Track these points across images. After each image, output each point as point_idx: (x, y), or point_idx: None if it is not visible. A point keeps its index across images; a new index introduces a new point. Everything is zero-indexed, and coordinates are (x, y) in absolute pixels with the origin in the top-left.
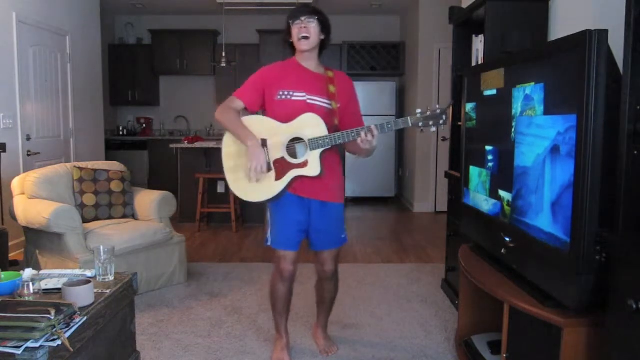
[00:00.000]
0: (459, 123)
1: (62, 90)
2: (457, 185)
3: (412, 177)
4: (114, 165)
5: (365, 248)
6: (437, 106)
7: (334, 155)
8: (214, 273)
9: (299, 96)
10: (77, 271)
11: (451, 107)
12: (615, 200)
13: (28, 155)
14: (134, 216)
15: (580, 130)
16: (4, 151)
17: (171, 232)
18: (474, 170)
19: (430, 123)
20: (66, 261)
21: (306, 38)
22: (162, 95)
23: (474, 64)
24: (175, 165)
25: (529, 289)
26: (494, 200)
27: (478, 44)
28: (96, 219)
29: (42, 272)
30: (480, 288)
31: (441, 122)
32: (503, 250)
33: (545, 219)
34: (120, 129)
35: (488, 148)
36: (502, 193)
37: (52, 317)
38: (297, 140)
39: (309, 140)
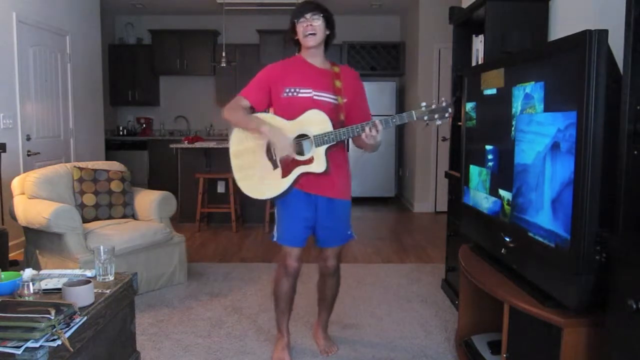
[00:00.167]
0: (459, 123)
1: (62, 90)
2: (457, 185)
3: (412, 177)
4: (114, 165)
5: (365, 248)
6: (443, 99)
7: (341, 152)
8: (214, 273)
9: (305, 93)
10: (77, 271)
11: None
12: (615, 200)
13: (28, 155)
14: (134, 216)
15: (580, 128)
16: (4, 151)
17: (171, 232)
18: (474, 169)
19: (436, 116)
20: (66, 261)
21: (313, 34)
22: (162, 95)
23: (474, 64)
24: (175, 165)
25: (529, 289)
26: (494, 198)
27: (478, 44)
28: (96, 219)
29: (42, 272)
30: (480, 288)
31: (447, 115)
32: (503, 250)
33: (545, 216)
34: (120, 129)
35: (488, 147)
36: (502, 192)
37: (52, 317)
38: (302, 137)
39: (314, 136)
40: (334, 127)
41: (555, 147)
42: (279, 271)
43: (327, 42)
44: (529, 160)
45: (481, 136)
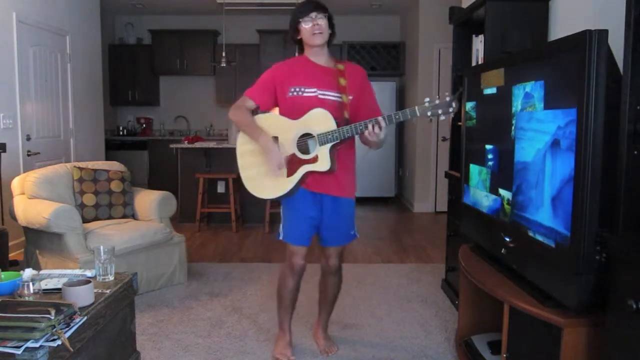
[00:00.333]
0: (459, 123)
1: (62, 90)
2: (457, 185)
3: (412, 177)
4: (114, 165)
5: (365, 248)
6: (447, 94)
7: (348, 151)
8: (214, 273)
9: (310, 92)
10: (77, 271)
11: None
12: (615, 200)
13: (28, 155)
14: (134, 216)
15: (580, 126)
16: (4, 151)
17: (171, 232)
18: (474, 169)
19: (440, 112)
20: (66, 261)
21: (320, 33)
22: (162, 95)
23: (474, 64)
24: (175, 165)
25: (529, 289)
26: (494, 196)
27: (478, 44)
28: (96, 219)
29: (42, 272)
30: (480, 288)
31: (451, 109)
32: (503, 250)
33: (545, 214)
34: (120, 129)
35: (488, 147)
36: (502, 192)
37: (52, 317)
38: (307, 136)
39: (317, 135)
40: (339, 125)
41: (555, 144)
42: (284, 269)
43: (329, 40)
44: (529, 157)
45: (481, 135)
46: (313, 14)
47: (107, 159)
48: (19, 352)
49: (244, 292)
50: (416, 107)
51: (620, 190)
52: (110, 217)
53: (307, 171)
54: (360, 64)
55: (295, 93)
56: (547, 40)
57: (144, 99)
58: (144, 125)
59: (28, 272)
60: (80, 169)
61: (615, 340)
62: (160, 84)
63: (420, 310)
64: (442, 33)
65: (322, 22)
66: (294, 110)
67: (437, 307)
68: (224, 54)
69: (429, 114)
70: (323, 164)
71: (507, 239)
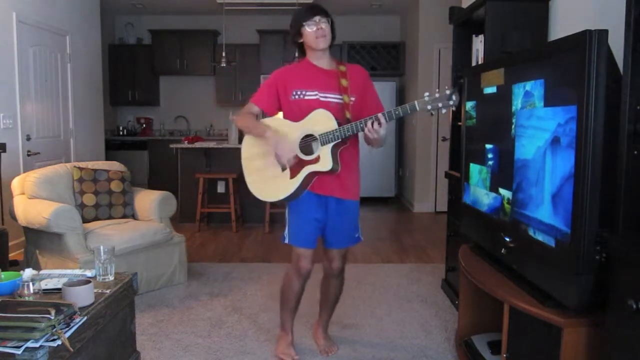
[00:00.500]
0: (459, 123)
1: (62, 90)
2: (457, 185)
3: (412, 177)
4: (114, 165)
5: (365, 248)
6: (447, 87)
7: (352, 152)
8: (214, 273)
9: (311, 95)
10: (77, 271)
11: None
12: (615, 200)
13: (28, 155)
14: (134, 216)
15: (580, 125)
16: (4, 151)
17: (171, 232)
18: (474, 168)
19: (440, 105)
20: (66, 261)
21: (324, 37)
22: (162, 95)
23: (474, 64)
24: (175, 165)
25: (529, 289)
26: (494, 194)
27: (478, 44)
28: (96, 219)
29: (42, 272)
30: (480, 288)
31: (451, 102)
32: (503, 250)
33: (545, 211)
34: (120, 129)
35: (488, 146)
36: (502, 191)
37: (52, 317)
38: (310, 137)
39: (319, 135)
40: (340, 125)
41: (555, 141)
42: (290, 272)
43: (331, 43)
44: (529, 155)
45: (481, 135)
46: (317, 18)
47: (107, 159)
48: (19, 352)
49: (244, 292)
50: (416, 102)
51: (620, 190)
52: (110, 217)
53: (310, 172)
54: (360, 64)
55: (297, 96)
56: (547, 40)
57: (144, 99)
58: (144, 125)
59: (28, 272)
60: (80, 169)
61: (615, 340)
62: (160, 84)
63: (420, 310)
64: (442, 33)
65: (326, 26)
66: (297, 113)
67: (437, 307)
68: (224, 54)
69: (429, 107)
70: (325, 164)
71: (507, 239)
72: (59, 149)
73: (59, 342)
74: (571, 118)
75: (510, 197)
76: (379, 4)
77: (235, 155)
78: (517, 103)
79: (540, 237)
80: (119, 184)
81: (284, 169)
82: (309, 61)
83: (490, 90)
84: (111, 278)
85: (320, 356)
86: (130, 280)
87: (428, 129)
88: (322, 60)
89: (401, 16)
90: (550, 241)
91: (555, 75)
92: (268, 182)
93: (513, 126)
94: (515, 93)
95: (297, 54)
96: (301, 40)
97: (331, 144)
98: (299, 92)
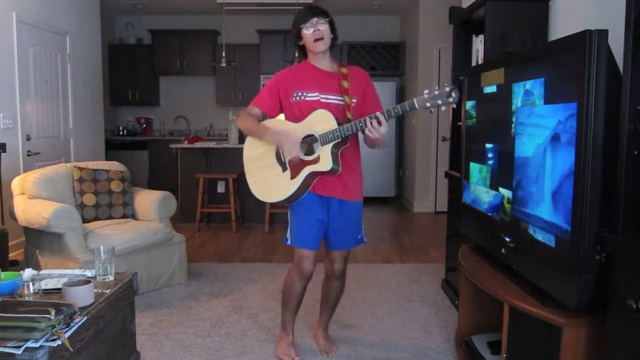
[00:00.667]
0: (459, 123)
1: (62, 90)
2: (457, 185)
3: (412, 177)
4: (114, 165)
5: (365, 248)
6: (446, 84)
7: (353, 152)
8: (214, 273)
9: (312, 96)
10: (77, 271)
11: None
12: (615, 200)
13: (28, 155)
14: (134, 216)
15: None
16: (4, 151)
17: (171, 232)
18: (474, 167)
19: (439, 102)
20: (66, 261)
21: (321, 39)
22: (162, 95)
23: (474, 64)
24: (175, 165)
25: (529, 289)
26: (494, 192)
27: (478, 44)
28: (96, 219)
29: (42, 272)
30: (480, 288)
31: (451, 99)
32: (503, 250)
33: (545, 208)
34: (120, 129)
35: (488, 146)
36: (502, 190)
37: (52, 317)
38: (310, 137)
39: (319, 135)
40: (341, 125)
41: (555, 138)
42: (292, 273)
43: (332, 44)
44: (529, 153)
45: (481, 134)
46: (314, 20)
47: (107, 159)
48: (19, 352)
49: (244, 292)
50: (415, 100)
51: (620, 190)
52: (110, 217)
53: (310, 172)
54: (360, 64)
55: (298, 98)
56: (547, 40)
57: (144, 99)
58: (144, 125)
59: (28, 272)
60: (80, 169)
61: (615, 340)
62: (160, 84)
63: (420, 310)
64: (442, 33)
65: (323, 27)
66: (298, 115)
67: (437, 307)
68: (224, 54)
69: (428, 105)
70: (325, 164)
71: (507, 239)
72: (59, 149)
73: (59, 342)
74: (571, 115)
75: (510, 197)
76: (379, 4)
77: (235, 155)
78: (517, 102)
79: (540, 236)
80: (119, 184)
81: (284, 169)
82: (310, 63)
83: (490, 89)
84: (111, 278)
85: (320, 356)
86: (130, 280)
87: (428, 129)
88: (323, 62)
89: (401, 16)
90: (550, 241)
91: (555, 75)
92: (269, 183)
93: (513, 125)
94: (515, 92)
95: (297, 55)
96: (302, 43)
97: (331, 144)
98: (300, 94)
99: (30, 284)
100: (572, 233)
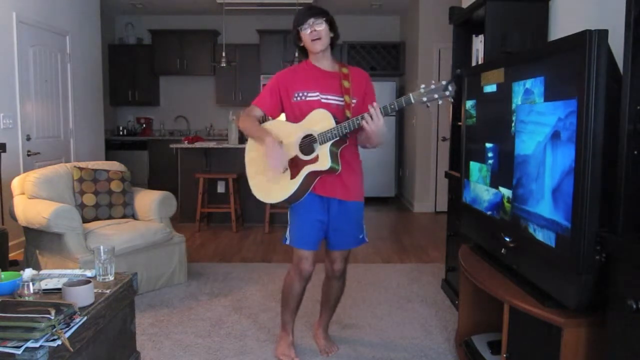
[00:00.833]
0: (459, 123)
1: (62, 90)
2: (457, 185)
3: (412, 177)
4: (114, 165)
5: (365, 248)
6: (444, 79)
7: (353, 152)
8: (214, 273)
9: (313, 96)
10: (77, 271)
11: (458, 79)
12: (615, 200)
13: (28, 155)
14: (134, 216)
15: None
16: (4, 151)
17: (171, 232)
18: (474, 166)
19: (436, 96)
20: (66, 261)
21: (318, 39)
22: (162, 95)
23: (474, 64)
24: (175, 165)
25: (529, 289)
26: (494, 190)
27: (478, 44)
28: (96, 219)
29: (42, 272)
30: (480, 288)
31: (448, 92)
32: (503, 250)
33: (546, 206)
34: (120, 129)
35: (488, 145)
36: (502, 190)
37: (52, 317)
38: (309, 137)
39: (318, 134)
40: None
41: (555, 136)
42: (291, 273)
43: (332, 43)
44: (529, 150)
45: (481, 134)
46: (311, 20)
47: (107, 159)
48: (19, 352)
49: (244, 292)
50: (411, 94)
51: (620, 190)
52: (110, 217)
53: (310, 171)
54: (360, 64)
55: (299, 98)
56: (547, 40)
57: (144, 99)
58: (144, 125)
59: (28, 272)
60: (80, 169)
61: (615, 340)
62: (160, 84)
63: (420, 310)
64: (442, 33)
65: (320, 27)
66: (298, 115)
67: (437, 307)
68: (224, 54)
69: (424, 99)
70: (323, 163)
71: (507, 239)
72: (59, 149)
73: (59, 342)
74: (571, 112)
75: (510, 196)
76: (379, 4)
77: (235, 155)
78: (517, 100)
79: (540, 235)
80: (119, 184)
81: (284, 169)
82: (310, 63)
83: (490, 88)
84: (111, 278)
85: (320, 356)
86: (130, 280)
87: (428, 129)
88: (323, 62)
89: (401, 16)
90: (550, 241)
91: (555, 75)
92: (270, 184)
93: (513, 124)
94: (515, 91)
95: (297, 54)
96: (302, 44)
97: (329, 143)
98: (300, 94)
99: (30, 284)
100: (572, 232)
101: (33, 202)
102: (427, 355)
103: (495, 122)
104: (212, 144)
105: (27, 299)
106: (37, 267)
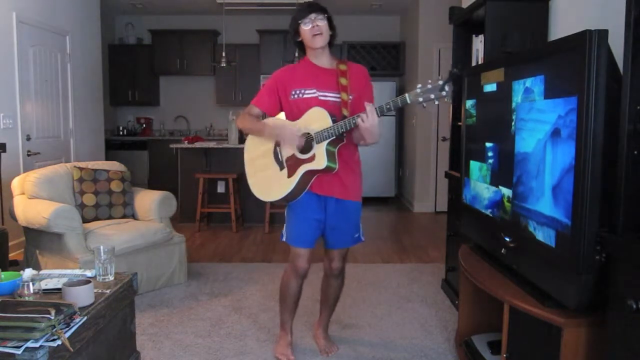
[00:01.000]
0: (459, 123)
1: (62, 90)
2: (457, 185)
3: (412, 177)
4: (114, 165)
5: (365, 248)
6: (440, 77)
7: (351, 152)
8: (214, 273)
9: (310, 93)
10: (77, 271)
11: (454, 77)
12: (615, 201)
13: (28, 155)
14: (134, 216)
15: (580, 122)
16: (4, 151)
17: (171, 232)
18: (474, 165)
19: (432, 96)
20: (66, 261)
21: (319, 34)
22: (162, 95)
23: (474, 64)
24: (175, 165)
25: (529, 289)
26: (494, 188)
27: (478, 44)
28: (96, 219)
29: (42, 272)
30: (480, 288)
31: (444, 93)
32: (503, 250)
33: (546, 203)
34: (120, 129)
35: (488, 145)
36: (502, 189)
37: (52, 317)
38: (307, 135)
39: (314, 133)
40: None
41: (555, 133)
42: (287, 271)
43: (330, 42)
44: (529, 148)
45: (481, 133)
46: (312, 16)
47: (107, 159)
48: (19, 352)
49: (244, 292)
50: (407, 95)
51: (620, 190)
52: (110, 217)
53: (306, 170)
54: (360, 64)
55: (296, 96)
56: (547, 40)
57: (144, 99)
58: (144, 125)
59: (28, 272)
60: (80, 169)
61: (615, 340)
62: (160, 84)
63: (420, 310)
64: (442, 33)
65: (322, 23)
66: (296, 113)
67: (437, 307)
68: (224, 54)
69: (420, 100)
70: (320, 162)
71: (507, 239)
72: (59, 149)
73: (59, 342)
74: (571, 109)
75: (510, 195)
76: (379, 4)
77: (235, 155)
78: (517, 99)
79: (540, 235)
80: (119, 184)
81: (282, 168)
82: (308, 60)
83: (490, 88)
84: (111, 278)
85: (320, 356)
86: (130, 280)
87: (428, 129)
88: (321, 59)
89: (401, 16)
90: (550, 240)
91: (555, 76)
92: (268, 182)
93: (513, 123)
94: (515, 89)
95: (297, 54)
96: (300, 39)
97: (326, 142)
98: (298, 92)
99: (30, 284)
100: (572, 231)
101: (33, 202)
102: (427, 355)
103: (496, 121)
104: (212, 144)
105: (27, 299)
106: (37, 267)
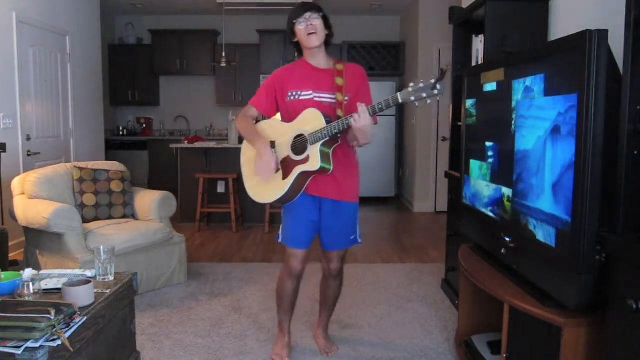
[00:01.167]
0: (459, 123)
1: (62, 90)
2: (457, 185)
3: (412, 177)
4: (114, 165)
5: (365, 248)
6: (432, 76)
7: (347, 152)
8: (214, 273)
9: (306, 95)
10: (77, 271)
11: (445, 76)
12: (615, 200)
13: (28, 155)
14: (134, 216)
15: (580, 123)
16: (4, 151)
17: (171, 232)
18: (474, 164)
19: (424, 95)
20: (66, 261)
21: (314, 33)
22: (162, 95)
23: (474, 64)
24: (175, 165)
25: (529, 289)
26: (494, 185)
27: (478, 44)
28: (96, 219)
29: (42, 272)
30: (480, 288)
31: (436, 91)
32: (503, 250)
33: (546, 200)
34: (120, 129)
35: (488, 144)
36: (502, 189)
37: (52, 317)
38: (301, 137)
39: (308, 135)
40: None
41: (555, 130)
42: (283, 272)
43: (327, 41)
44: (529, 146)
45: (481, 133)
46: (307, 15)
47: (107, 159)
48: (19, 352)
49: (244, 292)
50: (398, 94)
51: (620, 190)
52: (110, 217)
53: (301, 172)
54: (359, 64)
55: (293, 97)
56: (547, 40)
57: (144, 99)
58: (144, 125)
59: (28, 272)
60: (80, 169)
61: (615, 340)
62: (160, 84)
63: (420, 310)
64: (442, 33)
65: (317, 22)
66: (293, 114)
67: (437, 307)
68: (224, 54)
69: (412, 99)
70: (314, 164)
71: (507, 239)
72: (59, 149)
73: (59, 342)
74: (571, 107)
75: (511, 195)
76: (379, 4)
77: (235, 155)
78: (517, 97)
79: (540, 234)
80: (119, 184)
81: (277, 170)
82: (305, 60)
83: (490, 87)
84: (111, 278)
85: (320, 356)
86: (130, 280)
87: (428, 129)
88: (317, 59)
89: (401, 16)
90: (550, 240)
91: (555, 76)
92: (263, 185)
93: (513, 121)
94: (515, 88)
95: (296, 55)
96: (296, 40)
97: (319, 143)
98: (294, 93)
99: (30, 284)
100: (572, 229)
101: (33, 202)
102: (427, 355)
103: (496, 120)
104: (212, 144)
105: (27, 299)
106: (37, 267)
